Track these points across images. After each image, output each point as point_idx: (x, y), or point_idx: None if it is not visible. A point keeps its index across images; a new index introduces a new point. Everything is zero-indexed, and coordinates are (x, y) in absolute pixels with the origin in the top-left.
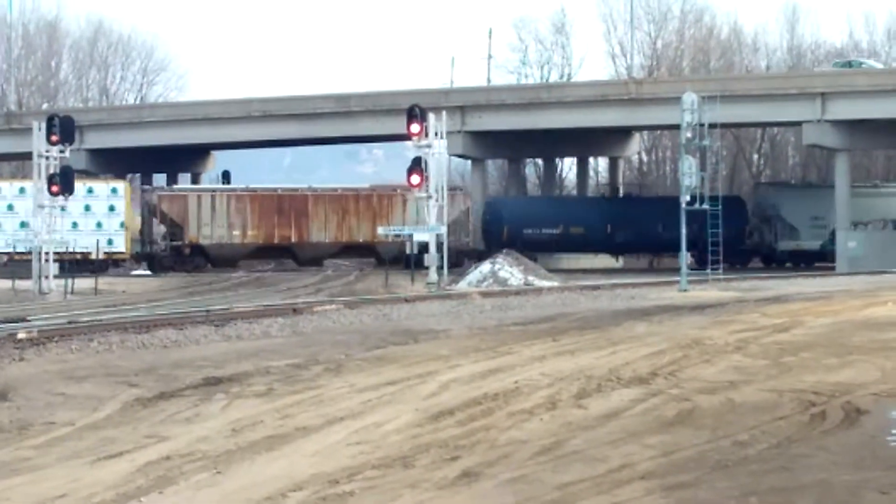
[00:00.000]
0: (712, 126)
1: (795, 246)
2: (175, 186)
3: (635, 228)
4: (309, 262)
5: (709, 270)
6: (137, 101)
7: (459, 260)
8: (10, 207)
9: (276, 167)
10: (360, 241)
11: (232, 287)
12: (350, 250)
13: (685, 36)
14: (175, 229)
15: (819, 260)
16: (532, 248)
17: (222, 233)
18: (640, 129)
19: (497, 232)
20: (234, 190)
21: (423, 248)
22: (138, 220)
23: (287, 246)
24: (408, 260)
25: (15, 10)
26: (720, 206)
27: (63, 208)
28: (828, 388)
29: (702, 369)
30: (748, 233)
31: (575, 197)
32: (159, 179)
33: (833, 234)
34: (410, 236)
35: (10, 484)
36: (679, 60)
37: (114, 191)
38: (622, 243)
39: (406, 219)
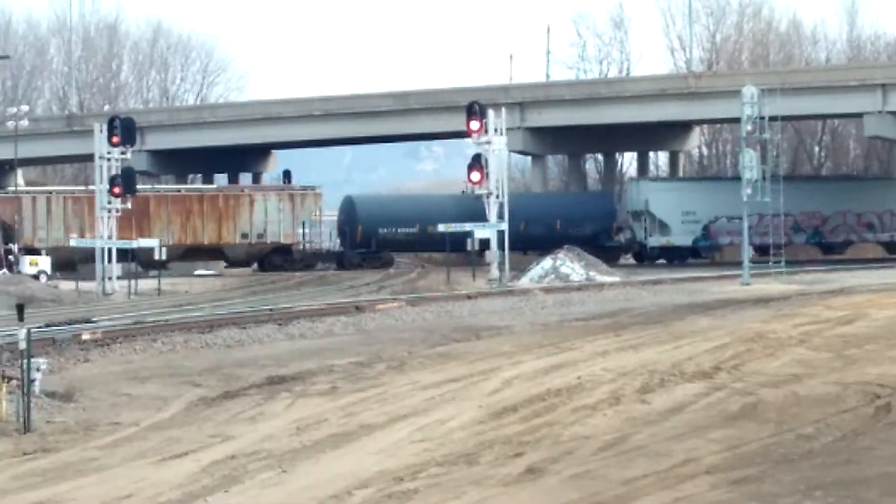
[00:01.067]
0: (772, 119)
1: (666, 242)
2: (9, 189)
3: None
4: (150, 265)
5: (770, 264)
6: (197, 102)
7: (313, 262)
8: None
9: (337, 166)
10: (206, 243)
11: (295, 285)
12: (195, 253)
13: (744, 29)
14: (9, 232)
15: (693, 256)
16: (389, 249)
17: (59, 236)
18: (699, 122)
19: (351, 231)
20: (72, 192)
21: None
22: None
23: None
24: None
25: (75, 13)
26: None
27: None
28: (892, 381)
29: (765, 363)
30: (616, 229)
31: (434, 195)
32: (220, 179)
33: (706, 228)
34: (472, 232)
35: (77, 484)
36: (738, 54)
37: None
38: None
39: (253, 220)
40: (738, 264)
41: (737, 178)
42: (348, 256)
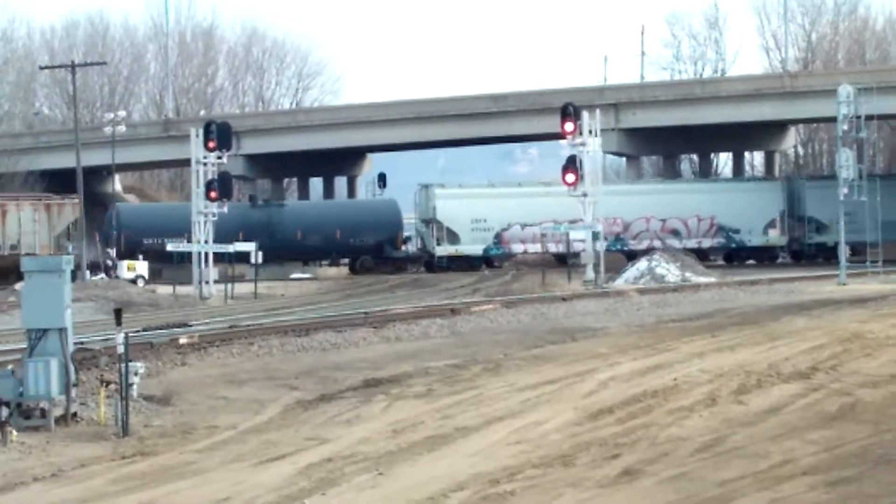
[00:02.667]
0: (869, 118)
1: (455, 251)
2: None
3: (275, 237)
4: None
5: (868, 264)
6: (292, 106)
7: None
8: None
9: (431, 168)
10: None
11: (389, 289)
12: None
13: (840, 28)
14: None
15: (488, 264)
16: (155, 260)
17: None
18: (795, 122)
19: (115, 241)
20: None
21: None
22: None
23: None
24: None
25: (171, 19)
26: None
27: None
28: None
29: (863, 363)
30: (403, 239)
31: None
32: (315, 183)
33: (498, 236)
34: (567, 234)
35: (174, 487)
36: (834, 53)
37: None
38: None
39: (6, 231)
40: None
41: (533, 185)
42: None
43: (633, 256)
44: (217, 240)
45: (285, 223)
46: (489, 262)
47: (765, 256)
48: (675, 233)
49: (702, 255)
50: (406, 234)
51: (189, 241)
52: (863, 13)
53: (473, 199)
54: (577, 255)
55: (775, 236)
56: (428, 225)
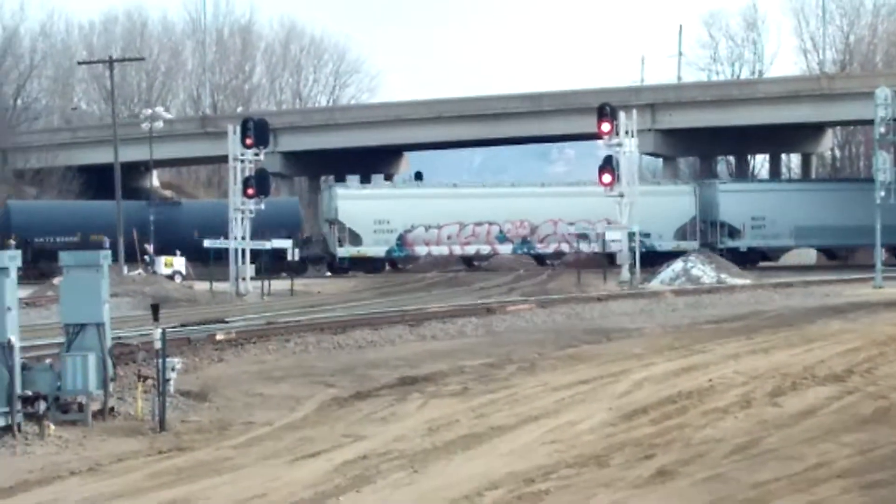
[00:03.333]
0: None
1: (357, 252)
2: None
3: (172, 236)
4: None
5: None
6: (330, 104)
7: None
8: None
9: (467, 168)
10: None
11: (425, 287)
12: None
13: (878, 30)
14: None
15: (392, 267)
16: (48, 259)
17: None
18: (832, 124)
19: (4, 241)
20: None
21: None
22: None
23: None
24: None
25: (209, 15)
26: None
27: None
28: None
29: None
30: (304, 240)
31: (99, 203)
32: (352, 181)
33: (401, 238)
34: (603, 234)
35: (210, 483)
36: (872, 55)
37: None
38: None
39: None
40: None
41: (438, 186)
42: None
43: (541, 260)
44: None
45: (181, 222)
46: (393, 264)
47: None
48: (584, 236)
49: (611, 259)
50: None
51: (82, 241)
52: None
53: (376, 200)
54: (487, 257)
55: (686, 242)
56: (331, 226)
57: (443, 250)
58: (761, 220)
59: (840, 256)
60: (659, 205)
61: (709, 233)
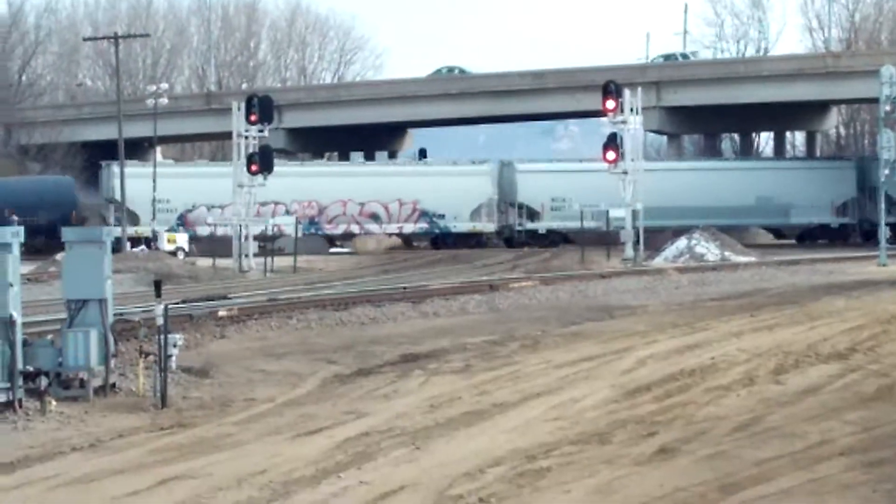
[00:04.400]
0: None
1: (135, 232)
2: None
3: None
4: None
5: None
6: (335, 81)
7: None
8: None
9: (472, 145)
10: None
11: (428, 264)
12: None
13: (884, 8)
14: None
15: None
16: None
17: None
18: (837, 102)
19: None
20: None
21: None
22: None
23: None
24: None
25: None
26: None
27: None
28: None
29: None
30: (79, 219)
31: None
32: (356, 158)
33: (182, 217)
34: (607, 212)
35: (212, 459)
36: (877, 33)
37: None
38: None
39: None
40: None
41: (220, 164)
42: None
43: (331, 241)
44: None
45: None
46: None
47: (471, 243)
48: (375, 217)
49: (405, 240)
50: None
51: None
52: None
53: (158, 179)
54: (274, 238)
55: (482, 223)
56: (109, 205)
57: (227, 230)
58: (561, 202)
59: None
60: (454, 185)
61: (508, 214)
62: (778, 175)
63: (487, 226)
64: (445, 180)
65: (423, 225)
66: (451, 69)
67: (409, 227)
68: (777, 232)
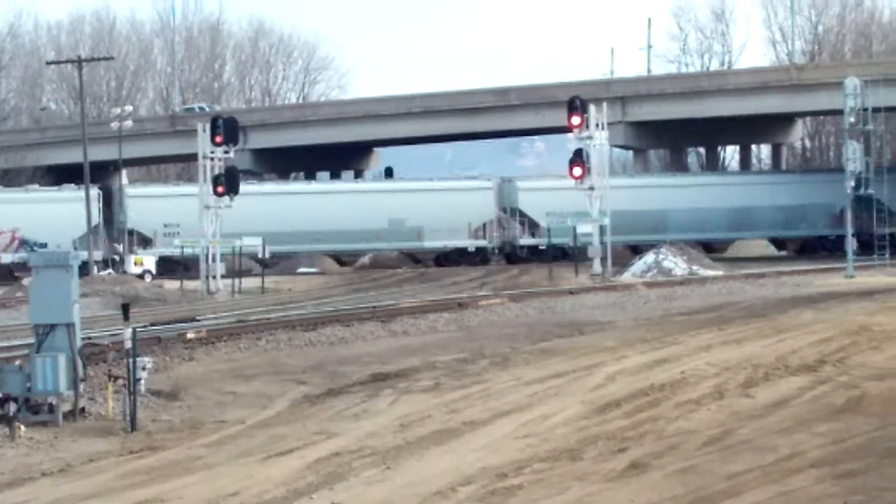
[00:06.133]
0: (876, 110)
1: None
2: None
3: None
4: None
5: (875, 257)
6: (299, 101)
7: None
8: None
9: (438, 163)
10: None
11: (397, 283)
12: None
13: (846, 20)
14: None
15: None
16: None
17: None
18: (802, 115)
19: None
20: None
21: None
22: None
23: None
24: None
25: (178, 14)
26: None
27: None
28: None
29: (870, 356)
30: None
31: None
32: (323, 177)
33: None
34: (574, 228)
35: (183, 482)
36: (841, 45)
37: None
38: None
39: None
40: None
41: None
42: None
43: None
44: None
45: None
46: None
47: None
48: None
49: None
50: None
51: None
52: (869, 5)
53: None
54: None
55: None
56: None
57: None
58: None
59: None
60: (54, 211)
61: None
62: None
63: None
64: (46, 208)
65: (24, 255)
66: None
67: (7, 258)
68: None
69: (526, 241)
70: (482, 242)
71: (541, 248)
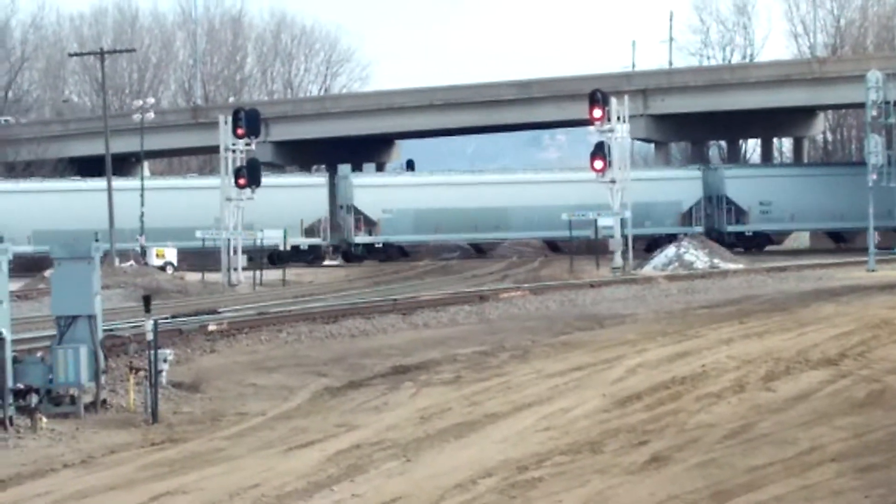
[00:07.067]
0: None
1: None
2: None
3: None
4: None
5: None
6: (321, 93)
7: None
8: None
9: (460, 156)
10: None
11: (418, 275)
12: None
13: (868, 13)
14: None
15: None
16: None
17: None
18: (823, 108)
19: None
20: None
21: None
22: None
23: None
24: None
25: (200, 6)
26: None
27: None
28: None
29: (892, 349)
30: None
31: None
32: (344, 170)
33: None
34: (596, 221)
35: (204, 474)
36: (863, 38)
37: None
38: None
39: None
40: None
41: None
42: None
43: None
44: None
45: None
46: None
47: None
48: None
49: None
50: None
51: None
52: None
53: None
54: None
55: None
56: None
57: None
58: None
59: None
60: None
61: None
62: None
63: None
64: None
65: None
66: None
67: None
68: None
69: (362, 238)
70: (316, 241)
71: (377, 245)
